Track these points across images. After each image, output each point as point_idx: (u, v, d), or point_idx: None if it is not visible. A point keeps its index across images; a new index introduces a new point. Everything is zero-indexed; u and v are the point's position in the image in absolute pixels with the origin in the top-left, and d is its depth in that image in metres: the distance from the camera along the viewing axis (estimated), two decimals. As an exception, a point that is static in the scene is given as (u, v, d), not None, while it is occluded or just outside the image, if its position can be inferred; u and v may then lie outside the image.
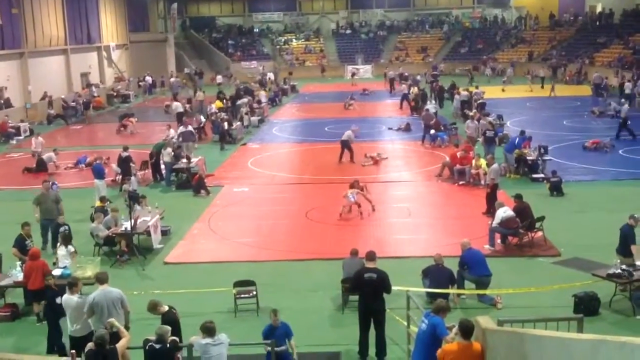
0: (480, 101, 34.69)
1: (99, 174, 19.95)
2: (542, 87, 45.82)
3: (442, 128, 28.90)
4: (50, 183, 18.19)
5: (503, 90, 45.57)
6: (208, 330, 8.75)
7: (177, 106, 34.53)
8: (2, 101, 36.86)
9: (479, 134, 25.31)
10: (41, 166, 25.00)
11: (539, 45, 59.67)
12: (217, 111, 33.24)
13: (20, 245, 13.58)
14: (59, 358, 9.82)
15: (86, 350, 8.56)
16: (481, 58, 59.23)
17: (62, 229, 14.79)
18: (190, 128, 26.81)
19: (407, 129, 31.57)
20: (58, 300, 10.72)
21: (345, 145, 24.96)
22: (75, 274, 12.18)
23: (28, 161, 26.06)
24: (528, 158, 22.28)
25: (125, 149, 22.18)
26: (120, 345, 8.73)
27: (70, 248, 13.44)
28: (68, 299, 10.09)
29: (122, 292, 10.17)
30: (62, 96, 40.72)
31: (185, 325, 10.09)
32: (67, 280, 10.74)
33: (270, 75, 52.13)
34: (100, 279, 10.31)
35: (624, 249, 12.82)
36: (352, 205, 18.09)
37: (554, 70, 51.95)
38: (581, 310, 11.50)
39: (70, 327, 10.10)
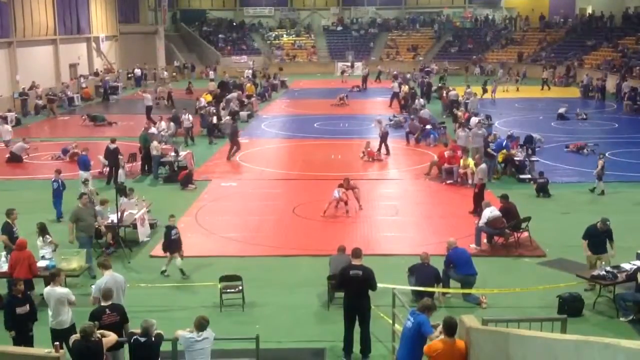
0: (470, 100, 34.71)
1: (84, 165, 19.79)
2: (542, 88, 46.29)
3: (431, 126, 28.87)
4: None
5: (485, 90, 45.35)
6: (200, 326, 8.73)
7: (148, 99, 34.13)
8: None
9: (471, 143, 24.07)
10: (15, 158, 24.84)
11: (529, 46, 59.88)
12: (206, 105, 33.07)
13: (9, 232, 13.33)
14: (43, 349, 9.72)
15: (71, 340, 8.50)
16: (471, 58, 59.36)
17: (173, 232, 14.06)
18: (152, 130, 25.88)
19: (399, 125, 31.60)
20: (18, 310, 9.98)
21: (384, 137, 25.70)
22: (60, 266, 12.10)
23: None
24: (515, 159, 22.35)
25: (113, 140, 21.98)
26: (106, 340, 8.64)
27: (47, 238, 13.36)
28: (50, 291, 9.88)
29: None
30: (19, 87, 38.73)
31: (169, 319, 10.02)
32: (50, 272, 10.61)
33: (249, 73, 50.80)
34: (105, 265, 10.43)
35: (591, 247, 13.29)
36: (338, 202, 18.08)
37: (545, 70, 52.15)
38: (565, 311, 11.58)
39: (51, 319, 9.85)
